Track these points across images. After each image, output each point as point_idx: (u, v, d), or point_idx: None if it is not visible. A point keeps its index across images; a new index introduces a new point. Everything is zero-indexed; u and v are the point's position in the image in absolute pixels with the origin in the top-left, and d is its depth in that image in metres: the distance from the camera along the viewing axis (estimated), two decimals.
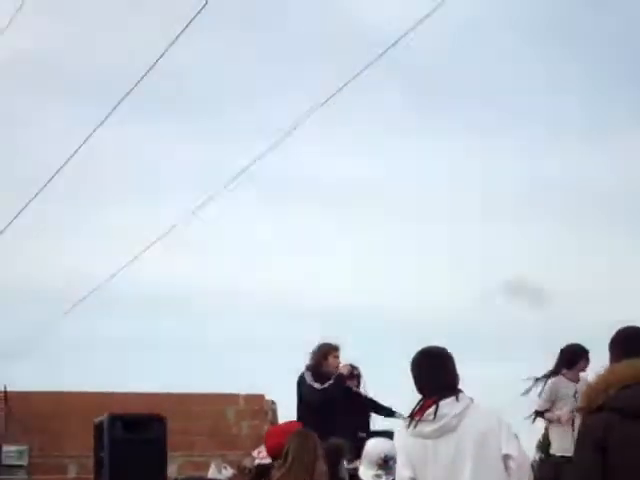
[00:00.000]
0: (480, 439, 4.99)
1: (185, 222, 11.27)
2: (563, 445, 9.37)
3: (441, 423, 5.01)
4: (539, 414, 9.69)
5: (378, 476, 6.14)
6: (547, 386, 9.52)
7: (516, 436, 5.25)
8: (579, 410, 4.79)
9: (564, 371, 9.52)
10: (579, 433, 4.63)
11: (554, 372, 9.57)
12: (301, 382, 9.69)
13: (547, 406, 9.57)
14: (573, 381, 9.50)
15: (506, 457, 5.00)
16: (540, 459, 32.96)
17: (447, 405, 5.04)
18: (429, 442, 5.02)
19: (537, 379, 9.68)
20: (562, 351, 9.66)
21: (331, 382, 9.54)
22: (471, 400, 5.11)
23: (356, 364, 9.92)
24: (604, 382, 4.61)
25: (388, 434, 8.95)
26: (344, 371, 9.69)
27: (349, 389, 9.80)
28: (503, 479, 4.98)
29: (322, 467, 6.32)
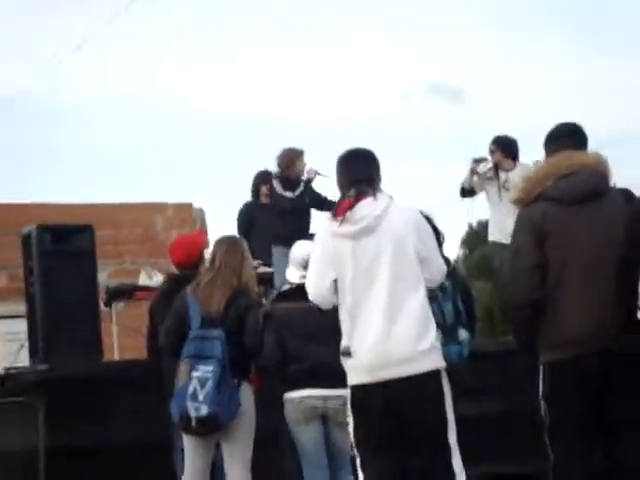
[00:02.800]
0: (398, 239, 5.04)
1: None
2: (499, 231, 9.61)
3: (362, 225, 5.04)
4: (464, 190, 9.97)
5: (304, 277, 6.24)
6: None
7: (437, 235, 5.32)
8: (517, 201, 4.89)
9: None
10: (517, 221, 4.79)
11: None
12: (271, 191, 9.72)
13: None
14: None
15: (420, 257, 5.06)
16: (464, 255, 33.81)
17: (367, 206, 5.07)
18: (348, 242, 5.06)
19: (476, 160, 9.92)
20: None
21: (302, 189, 9.58)
22: (390, 199, 5.14)
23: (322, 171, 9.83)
24: (542, 173, 4.76)
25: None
26: (310, 175, 9.69)
27: (319, 195, 9.78)
28: (419, 279, 5.06)
29: (250, 271, 6.43)
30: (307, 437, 6.49)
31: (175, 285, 6.76)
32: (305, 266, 6.22)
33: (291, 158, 9.74)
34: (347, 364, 5.11)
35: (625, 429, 4.71)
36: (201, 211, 12.79)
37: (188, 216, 12.64)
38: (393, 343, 4.97)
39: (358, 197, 5.08)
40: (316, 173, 9.75)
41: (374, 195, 5.10)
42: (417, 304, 5.03)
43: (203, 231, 6.97)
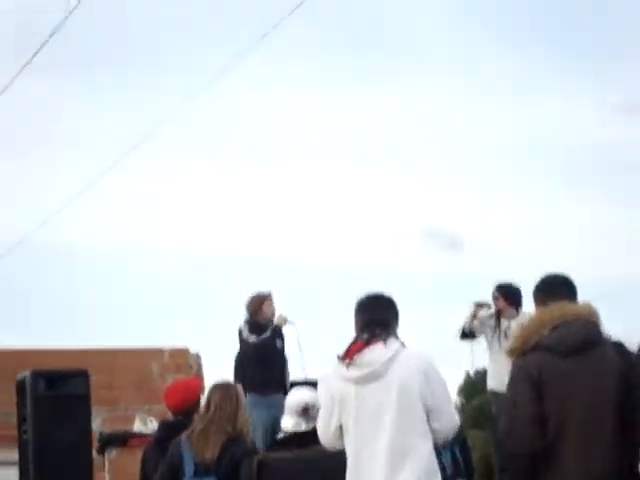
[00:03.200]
0: (404, 388, 4.98)
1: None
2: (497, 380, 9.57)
3: (368, 370, 5.00)
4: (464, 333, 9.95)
5: (298, 424, 6.20)
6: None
7: (444, 384, 5.28)
8: (512, 351, 4.88)
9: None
10: (513, 371, 4.77)
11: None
12: (239, 335, 9.71)
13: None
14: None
15: (429, 410, 5.01)
16: (461, 404, 33.50)
17: (375, 351, 5.03)
18: (353, 388, 5.02)
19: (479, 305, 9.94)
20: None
21: (267, 335, 9.54)
22: (402, 345, 5.10)
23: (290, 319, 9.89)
24: (537, 323, 4.77)
25: (311, 383, 9.04)
26: (280, 322, 9.69)
27: (283, 340, 9.78)
28: (425, 429, 4.99)
29: (244, 416, 6.39)
30: None
31: (169, 432, 6.70)
32: (300, 413, 6.19)
33: (258, 303, 9.76)
34: None
35: None
36: (197, 356, 12.76)
37: (184, 361, 12.59)
38: None
39: (369, 341, 5.05)
40: (285, 321, 9.77)
41: (385, 340, 5.05)
42: (421, 457, 4.95)
43: (199, 376, 6.93)
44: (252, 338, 9.55)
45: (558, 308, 4.78)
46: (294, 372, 9.99)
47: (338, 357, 5.11)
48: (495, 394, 9.71)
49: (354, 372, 5.01)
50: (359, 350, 5.02)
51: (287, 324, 9.81)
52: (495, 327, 9.83)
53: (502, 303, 9.80)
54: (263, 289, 9.98)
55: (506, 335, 9.62)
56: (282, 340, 9.83)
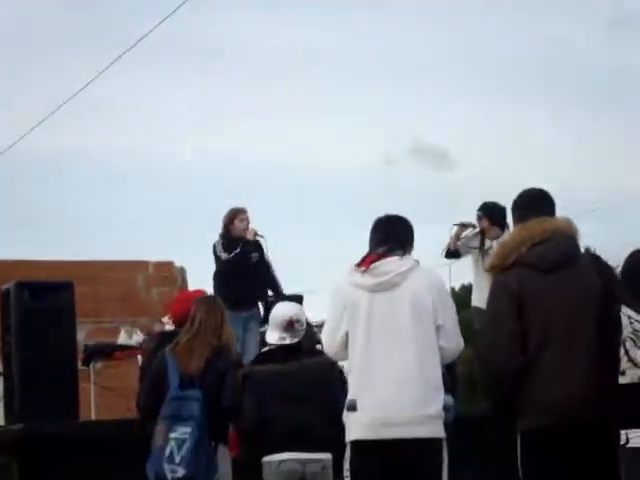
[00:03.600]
0: (417, 300, 5.02)
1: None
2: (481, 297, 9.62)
3: (384, 278, 5.03)
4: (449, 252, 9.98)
5: (282, 338, 6.20)
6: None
7: (453, 305, 5.31)
8: (492, 267, 4.85)
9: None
10: (493, 287, 4.77)
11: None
12: (213, 252, 9.66)
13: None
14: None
15: (438, 327, 5.06)
16: None
17: (393, 262, 5.07)
18: (366, 294, 5.03)
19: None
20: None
21: (237, 251, 9.45)
22: (417, 263, 5.14)
23: (260, 232, 9.79)
24: (517, 240, 4.74)
25: (297, 298, 9.05)
26: (249, 236, 9.58)
27: (261, 251, 9.73)
28: (434, 344, 5.04)
29: (229, 329, 6.38)
30: None
31: (163, 342, 6.68)
32: (286, 328, 6.18)
33: (230, 217, 9.68)
34: (350, 419, 5.05)
35: None
36: (182, 269, 12.75)
37: (169, 274, 12.58)
38: (401, 403, 4.92)
39: (386, 254, 5.09)
40: (255, 234, 9.69)
41: (401, 255, 5.11)
42: (431, 368, 5.01)
43: (203, 290, 6.90)
44: (224, 255, 9.49)
45: (537, 224, 4.74)
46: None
47: (351, 265, 5.13)
48: (479, 311, 9.77)
49: (369, 279, 5.04)
50: (376, 260, 5.06)
51: (256, 237, 9.71)
52: (480, 246, 9.84)
53: (486, 223, 9.80)
54: (239, 204, 9.86)
55: (489, 254, 9.64)
56: (260, 252, 9.75)
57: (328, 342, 5.17)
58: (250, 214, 9.80)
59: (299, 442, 6.17)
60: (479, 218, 9.87)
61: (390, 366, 4.96)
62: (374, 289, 5.03)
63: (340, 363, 5.64)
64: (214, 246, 9.64)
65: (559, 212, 4.91)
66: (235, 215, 9.69)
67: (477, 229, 9.91)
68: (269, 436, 6.28)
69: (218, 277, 9.58)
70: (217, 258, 9.57)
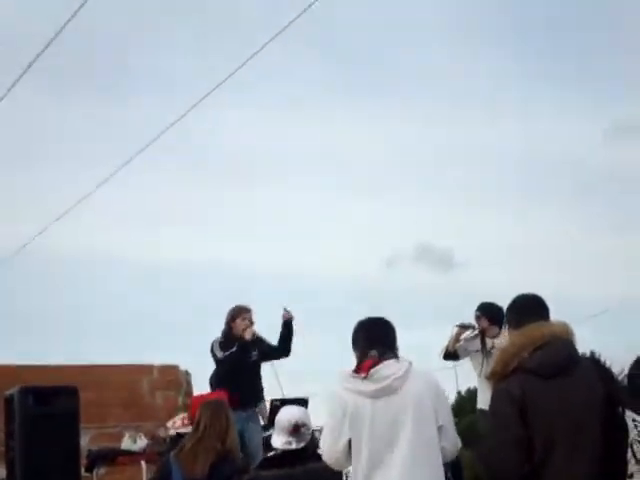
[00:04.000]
0: (419, 403, 5.01)
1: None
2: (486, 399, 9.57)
3: (385, 384, 5.02)
4: (448, 354, 9.94)
5: (289, 443, 6.16)
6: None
7: (449, 404, 5.32)
8: (493, 375, 4.84)
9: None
10: (495, 394, 4.74)
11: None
12: (211, 350, 9.54)
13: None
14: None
15: (439, 428, 5.04)
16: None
17: (390, 366, 5.06)
18: (368, 401, 5.01)
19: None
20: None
21: (233, 350, 9.31)
22: (410, 364, 5.14)
23: (259, 334, 9.62)
24: (517, 346, 4.73)
25: (301, 401, 8.99)
26: (247, 336, 9.41)
27: (262, 347, 9.62)
28: (437, 445, 5.02)
29: (234, 435, 6.34)
30: None
31: (173, 447, 6.63)
32: (291, 432, 6.14)
33: (233, 315, 9.50)
34: None
35: None
36: (187, 373, 12.70)
37: (174, 378, 12.53)
38: None
39: (382, 358, 5.08)
40: (254, 335, 9.47)
41: (396, 358, 5.11)
42: (433, 474, 4.99)
43: (223, 393, 6.79)
44: (219, 353, 9.35)
45: (536, 329, 4.76)
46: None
47: (350, 372, 5.10)
48: (484, 413, 9.71)
49: (370, 386, 5.02)
50: (374, 365, 5.05)
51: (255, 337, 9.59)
52: (482, 347, 9.85)
53: (485, 322, 9.83)
54: (245, 303, 9.68)
55: (492, 354, 9.64)
56: (259, 352, 9.58)
57: (329, 450, 5.10)
58: (254, 315, 9.69)
59: None
60: (477, 318, 9.90)
61: (393, 474, 4.92)
62: (375, 395, 5.01)
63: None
64: (212, 344, 9.50)
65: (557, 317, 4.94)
66: (238, 314, 9.53)
67: (476, 330, 9.92)
68: None
69: (215, 377, 9.47)
70: (214, 357, 9.48)
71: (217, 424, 6.23)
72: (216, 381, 9.31)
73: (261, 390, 9.65)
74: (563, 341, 4.74)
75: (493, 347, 9.67)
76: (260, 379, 9.64)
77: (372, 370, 5.03)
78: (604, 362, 4.86)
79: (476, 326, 9.94)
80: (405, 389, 5.02)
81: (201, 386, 11.95)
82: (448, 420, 5.11)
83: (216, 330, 9.68)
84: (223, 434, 6.21)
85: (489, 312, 9.85)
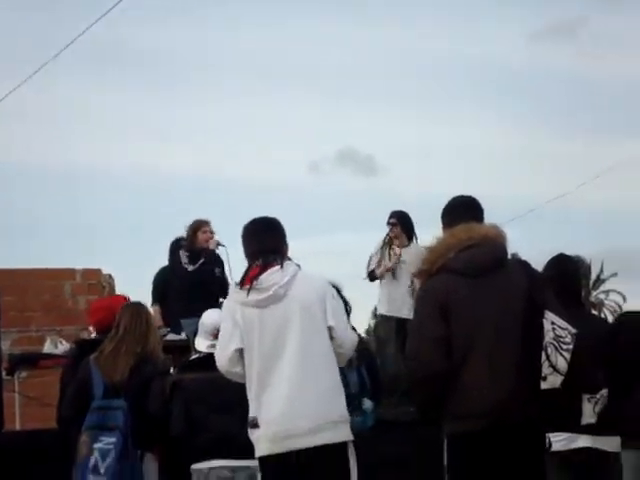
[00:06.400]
0: (306, 308, 5.02)
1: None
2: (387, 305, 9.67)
3: (270, 293, 5.02)
4: (372, 274, 9.96)
5: (213, 346, 6.15)
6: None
7: (345, 305, 5.33)
8: (419, 273, 4.88)
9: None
10: (421, 293, 4.78)
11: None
12: (175, 261, 9.59)
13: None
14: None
15: (330, 328, 5.06)
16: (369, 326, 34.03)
17: (274, 274, 5.05)
18: (256, 311, 5.03)
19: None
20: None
21: (201, 262, 9.47)
22: (298, 267, 5.13)
23: (223, 242, 9.75)
24: (444, 245, 4.75)
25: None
26: (211, 246, 9.58)
27: (221, 266, 9.66)
28: (328, 348, 5.05)
29: (155, 337, 6.33)
30: None
31: (86, 351, 6.59)
32: (215, 335, 6.14)
33: (194, 228, 9.66)
34: (254, 435, 5.04)
35: None
36: (110, 277, 12.62)
37: (96, 282, 12.43)
38: (302, 413, 4.93)
39: (265, 266, 5.07)
40: (217, 244, 9.66)
41: (281, 264, 5.09)
42: (327, 374, 5.01)
43: (123, 296, 6.81)
44: (190, 267, 9.49)
45: (465, 230, 4.77)
46: None
47: (236, 284, 5.13)
48: (385, 318, 9.83)
49: (254, 296, 5.03)
50: (257, 275, 5.03)
51: (219, 247, 9.71)
52: (387, 254, 9.82)
53: (398, 230, 9.84)
54: (201, 216, 9.84)
55: (399, 262, 9.68)
56: (221, 266, 9.71)
57: (219, 359, 5.15)
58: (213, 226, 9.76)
59: (228, 449, 6.14)
60: (393, 224, 9.88)
61: (287, 379, 4.95)
62: (261, 305, 5.02)
63: None
64: (179, 256, 9.58)
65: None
66: (198, 227, 9.69)
67: (386, 235, 9.90)
68: (197, 443, 6.25)
69: (180, 288, 9.50)
70: (181, 269, 9.50)
71: (137, 326, 6.21)
72: (182, 291, 9.38)
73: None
74: (492, 243, 4.76)
75: (400, 255, 9.70)
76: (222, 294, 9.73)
77: (255, 281, 5.02)
78: (530, 264, 4.91)
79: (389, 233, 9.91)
80: (291, 295, 5.02)
81: (124, 290, 11.88)
82: (339, 320, 5.10)
83: (138, 236, 9.71)
84: (143, 337, 6.19)
85: (403, 220, 9.88)
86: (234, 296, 5.12)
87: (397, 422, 7.63)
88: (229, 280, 9.71)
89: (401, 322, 9.50)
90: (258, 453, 5.04)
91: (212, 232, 9.72)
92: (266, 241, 5.16)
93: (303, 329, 4.99)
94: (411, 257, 9.52)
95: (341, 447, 4.98)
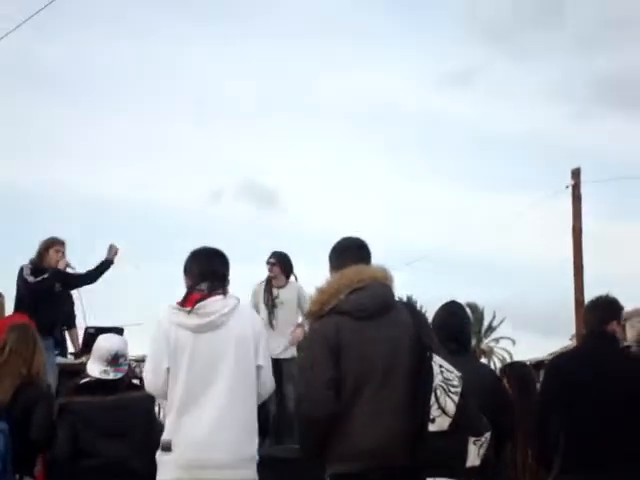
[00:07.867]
0: (241, 342, 5.06)
1: None
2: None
3: (210, 319, 5.04)
4: None
5: (106, 372, 6.07)
6: None
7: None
8: (309, 314, 4.88)
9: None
10: (311, 335, 4.80)
11: None
12: (19, 274, 9.37)
13: None
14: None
15: (259, 367, 5.13)
16: None
17: (217, 302, 5.08)
18: (190, 335, 5.02)
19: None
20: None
21: (45, 276, 9.23)
22: (238, 300, 5.17)
23: (73, 265, 9.59)
24: (335, 287, 4.77)
25: (118, 330, 8.87)
26: (61, 266, 9.39)
27: (67, 278, 9.52)
28: (253, 387, 5.10)
29: (41, 359, 6.22)
30: None
31: None
32: (110, 361, 6.04)
33: (47, 244, 9.45)
34: (163, 458, 4.99)
35: None
36: (0, 295, 12.34)
37: None
38: (222, 446, 4.92)
39: (210, 292, 5.09)
40: (67, 265, 9.47)
41: (224, 294, 5.12)
42: (249, 412, 5.05)
43: (20, 315, 6.64)
44: (30, 278, 9.23)
45: (355, 272, 4.81)
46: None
47: (173, 306, 5.10)
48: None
49: (195, 320, 5.03)
50: (201, 299, 5.06)
51: (67, 269, 9.53)
52: (268, 297, 9.79)
53: (278, 270, 9.85)
54: (59, 236, 9.60)
55: (276, 305, 9.69)
56: (65, 285, 9.55)
57: (152, 380, 5.09)
58: (67, 249, 9.55)
59: (112, 475, 6.03)
60: (272, 264, 9.85)
61: (208, 408, 4.95)
62: (198, 330, 5.02)
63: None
64: (21, 269, 9.35)
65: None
66: (52, 244, 9.48)
67: (263, 280, 9.86)
68: (81, 468, 6.12)
69: (20, 301, 9.31)
70: (23, 282, 9.29)
71: (24, 348, 6.10)
72: (21, 305, 9.15)
73: (60, 321, 9.55)
74: (380, 285, 4.80)
75: (278, 297, 9.72)
76: (61, 311, 9.56)
77: (198, 305, 5.04)
78: (418, 307, 4.96)
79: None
80: (229, 326, 5.06)
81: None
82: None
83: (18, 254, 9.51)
84: (29, 359, 6.08)
85: (283, 261, 9.88)
86: (171, 317, 5.07)
87: (284, 460, 7.61)
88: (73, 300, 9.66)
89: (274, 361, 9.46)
90: (165, 476, 4.98)
91: (64, 254, 9.50)
92: (216, 266, 5.21)
93: (237, 361, 5.02)
94: (288, 296, 9.69)
95: None
